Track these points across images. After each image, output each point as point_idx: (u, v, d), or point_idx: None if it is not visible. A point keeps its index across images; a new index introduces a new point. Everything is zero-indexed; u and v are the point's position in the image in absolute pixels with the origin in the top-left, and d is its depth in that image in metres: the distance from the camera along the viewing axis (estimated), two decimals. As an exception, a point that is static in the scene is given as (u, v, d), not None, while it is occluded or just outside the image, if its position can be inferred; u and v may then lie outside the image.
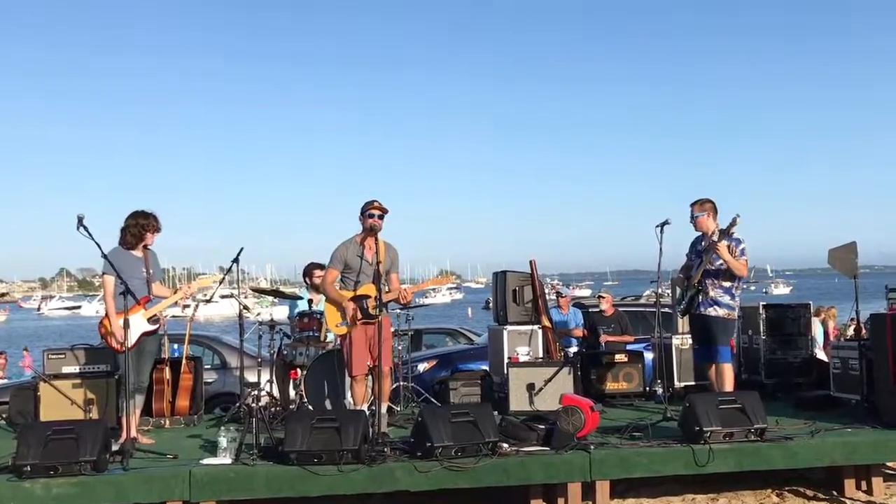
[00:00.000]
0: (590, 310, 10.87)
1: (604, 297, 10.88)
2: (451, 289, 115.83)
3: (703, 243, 7.54)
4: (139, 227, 7.02)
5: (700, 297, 7.43)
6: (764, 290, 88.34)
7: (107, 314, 6.91)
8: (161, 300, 7.12)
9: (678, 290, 7.83)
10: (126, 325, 6.48)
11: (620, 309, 10.87)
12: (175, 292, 7.25)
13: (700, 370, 8.24)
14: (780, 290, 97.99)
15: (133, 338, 6.63)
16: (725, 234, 7.26)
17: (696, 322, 7.59)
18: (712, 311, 7.39)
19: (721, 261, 7.28)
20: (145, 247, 7.09)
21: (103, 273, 6.91)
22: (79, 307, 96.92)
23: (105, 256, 6.61)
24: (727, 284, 7.40)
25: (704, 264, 7.35)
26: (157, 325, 7.07)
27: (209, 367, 9.91)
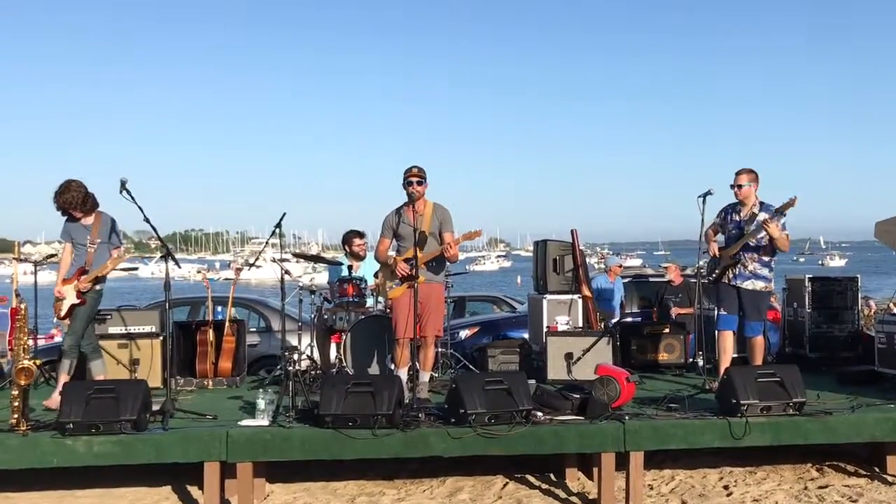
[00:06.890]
0: (650, 279, 10.64)
1: (669, 266, 10.59)
2: (500, 256, 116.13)
3: (741, 213, 7.36)
4: (62, 202, 6.90)
5: (737, 270, 7.29)
6: (819, 262, 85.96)
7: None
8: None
9: (708, 256, 7.60)
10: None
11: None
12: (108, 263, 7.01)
13: (740, 341, 8.07)
14: (836, 262, 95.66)
15: (63, 310, 6.93)
16: (780, 213, 7.08)
17: (729, 291, 7.41)
18: (750, 285, 7.26)
19: (763, 234, 7.13)
20: (93, 214, 6.99)
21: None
22: (136, 269, 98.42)
23: (147, 220, 6.65)
24: (767, 259, 7.28)
25: (747, 238, 7.20)
26: (83, 300, 6.90)
27: (254, 329, 10.05)
